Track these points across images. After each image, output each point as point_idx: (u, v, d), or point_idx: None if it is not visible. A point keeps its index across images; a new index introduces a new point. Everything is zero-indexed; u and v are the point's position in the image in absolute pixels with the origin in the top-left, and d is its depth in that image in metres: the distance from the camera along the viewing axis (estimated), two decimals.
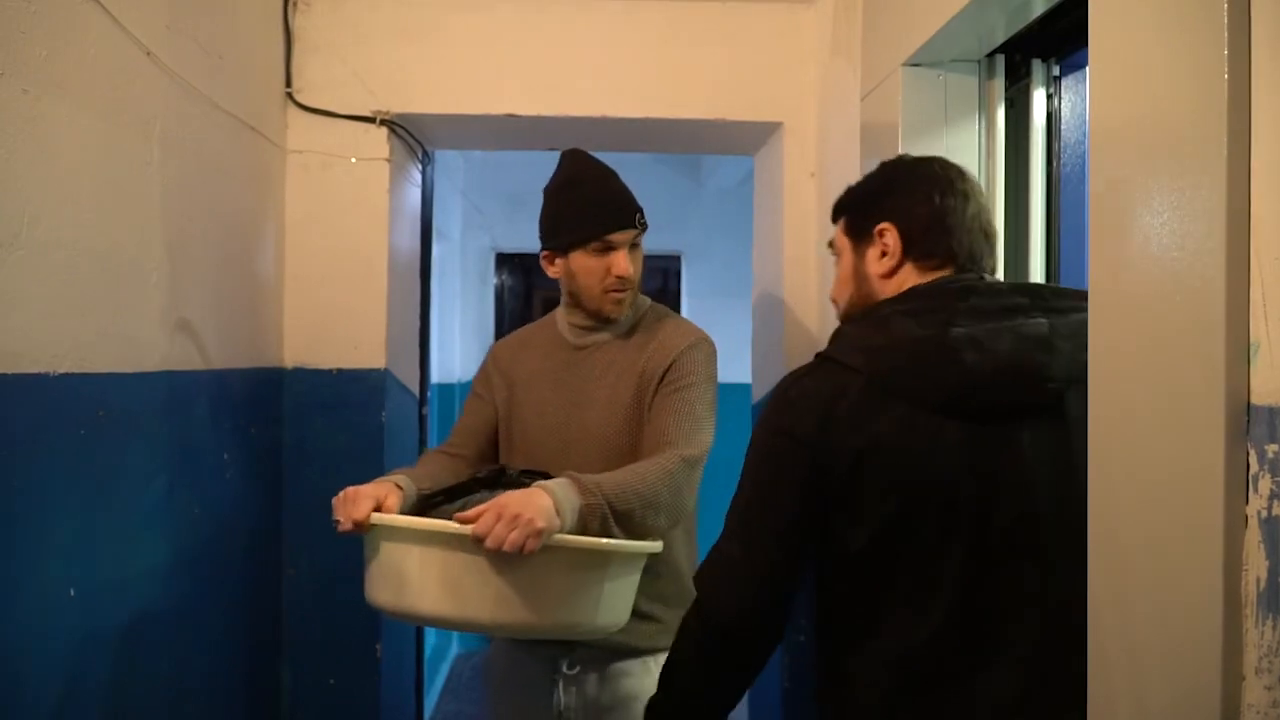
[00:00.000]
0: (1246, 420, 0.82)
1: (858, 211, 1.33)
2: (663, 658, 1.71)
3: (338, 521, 1.40)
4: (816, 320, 2.38)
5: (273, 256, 2.34)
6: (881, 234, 1.28)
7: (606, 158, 1.81)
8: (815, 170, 2.47)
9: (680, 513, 1.56)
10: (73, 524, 1.42)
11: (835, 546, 1.19)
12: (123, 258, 1.57)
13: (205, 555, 1.92)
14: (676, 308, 5.15)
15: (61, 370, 1.38)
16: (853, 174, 1.40)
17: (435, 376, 3.73)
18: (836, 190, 1.42)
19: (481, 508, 1.34)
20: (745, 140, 2.70)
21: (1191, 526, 0.87)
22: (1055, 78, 1.67)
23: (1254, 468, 0.81)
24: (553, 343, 1.80)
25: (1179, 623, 0.89)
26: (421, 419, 2.90)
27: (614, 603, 1.45)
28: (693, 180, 5.08)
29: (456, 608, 1.35)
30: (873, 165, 1.40)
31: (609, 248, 1.69)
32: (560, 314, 1.82)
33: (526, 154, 3.04)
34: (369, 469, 2.21)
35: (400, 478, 1.54)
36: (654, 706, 1.34)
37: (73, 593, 1.42)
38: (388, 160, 2.44)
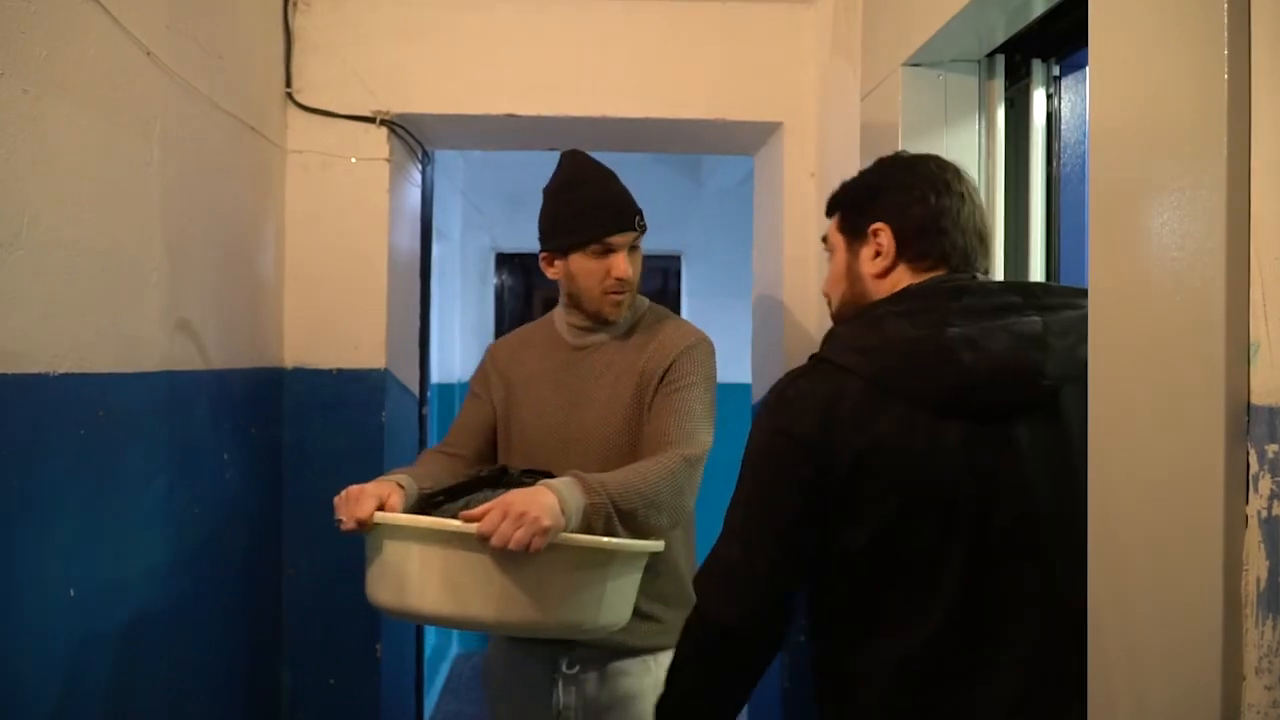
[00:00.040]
0: (1246, 420, 0.82)
1: (852, 208, 1.33)
2: (662, 657, 1.72)
3: (340, 521, 1.40)
4: (816, 320, 2.38)
5: (273, 256, 2.34)
6: (876, 234, 1.28)
7: (606, 158, 1.81)
8: (815, 170, 2.47)
9: (681, 512, 1.57)
10: (73, 524, 1.42)
11: (835, 547, 1.19)
12: (123, 258, 1.57)
13: (205, 555, 1.92)
14: (676, 308, 5.15)
15: (61, 370, 1.38)
16: (853, 174, 1.40)
17: (435, 376, 3.73)
18: None
19: (487, 506, 1.34)
20: (745, 140, 2.70)
21: (1191, 526, 0.87)
22: (1055, 78, 1.67)
23: (1254, 468, 0.81)
24: (551, 343, 1.80)
25: (1179, 623, 0.89)
26: (421, 419, 2.91)
27: (617, 601, 1.45)
28: (693, 180, 5.08)
29: (460, 606, 1.35)
30: None
31: (608, 250, 1.69)
32: (559, 314, 1.82)
33: (526, 154, 3.04)
34: (369, 469, 2.21)
35: (402, 477, 1.54)
36: (660, 708, 1.34)
37: (73, 593, 1.42)
38: (388, 160, 2.44)
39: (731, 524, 1.25)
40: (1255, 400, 0.82)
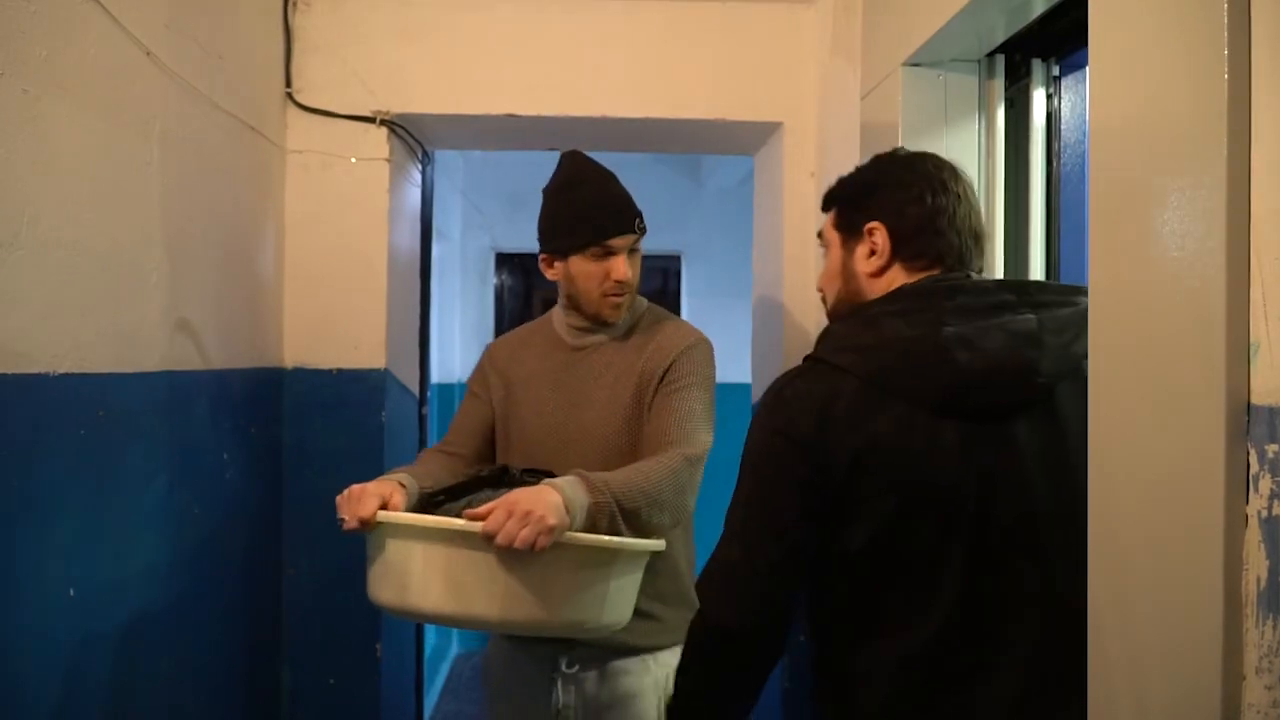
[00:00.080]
0: (1246, 420, 0.82)
1: (848, 205, 1.33)
2: (661, 656, 1.73)
3: (343, 520, 1.40)
4: (816, 320, 2.38)
5: (273, 256, 2.34)
6: (871, 232, 1.28)
7: (606, 158, 1.81)
8: (815, 170, 2.47)
9: (683, 511, 1.57)
10: (73, 524, 1.42)
11: (835, 546, 1.19)
12: (122, 258, 1.57)
13: (205, 555, 1.92)
14: (676, 308, 5.16)
15: (61, 370, 1.38)
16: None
17: (435, 376, 3.73)
18: None
19: (492, 504, 1.34)
20: (745, 140, 2.70)
21: (1191, 526, 0.87)
22: (1055, 77, 1.67)
23: (1254, 467, 0.81)
24: (550, 343, 1.80)
25: (1179, 623, 0.89)
26: (421, 419, 2.91)
27: (619, 600, 1.45)
28: (693, 180, 5.08)
29: (463, 605, 1.35)
30: None
31: (608, 253, 1.69)
32: (558, 314, 1.82)
33: (526, 154, 3.04)
34: (369, 469, 2.21)
35: (403, 476, 1.54)
36: (669, 711, 1.34)
37: (73, 593, 1.42)
38: (388, 160, 2.44)
39: (731, 525, 1.25)
40: (1255, 400, 0.82)
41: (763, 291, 2.70)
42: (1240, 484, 0.82)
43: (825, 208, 1.37)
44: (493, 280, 5.35)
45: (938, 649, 1.15)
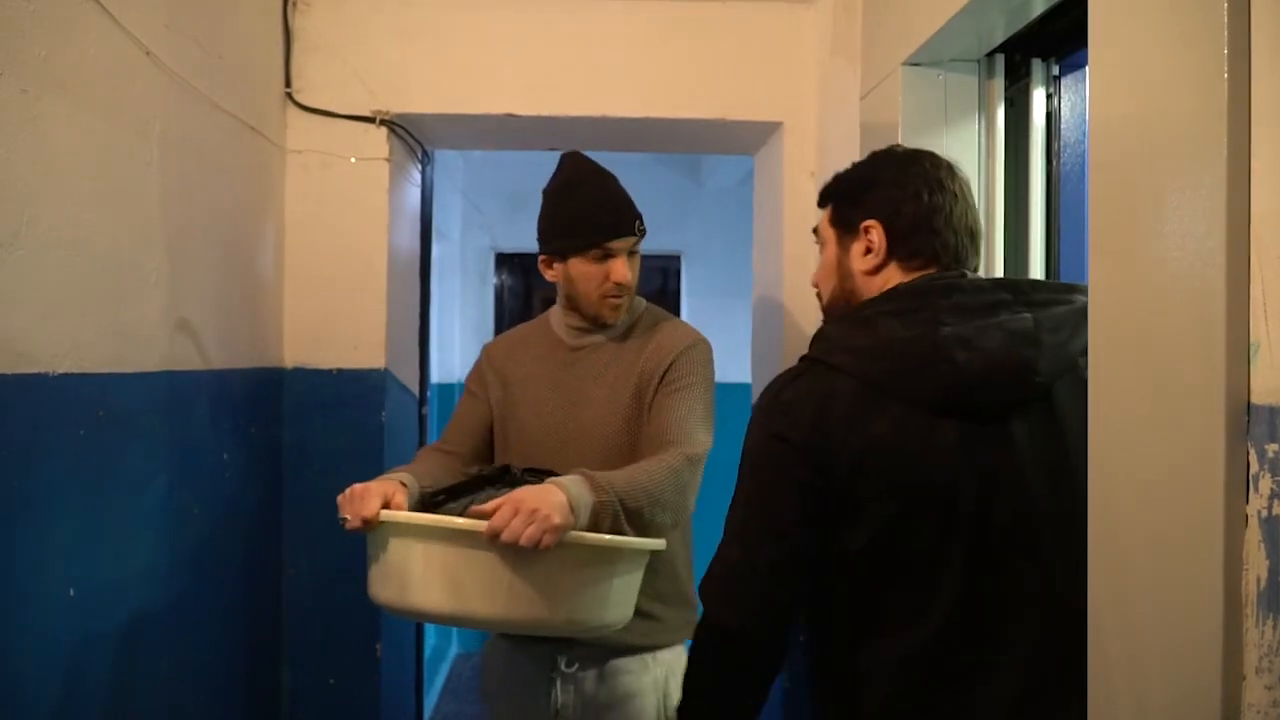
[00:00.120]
0: (1246, 420, 0.82)
1: (845, 201, 1.32)
2: (660, 655, 1.73)
3: (345, 519, 1.40)
4: (815, 320, 2.36)
5: (273, 256, 2.34)
6: (867, 230, 1.27)
7: (606, 158, 1.81)
8: (815, 170, 2.47)
9: (684, 511, 1.57)
10: (73, 524, 1.42)
11: (835, 547, 1.19)
12: (122, 258, 1.57)
13: (205, 555, 1.92)
14: (676, 308, 5.16)
15: (61, 370, 1.38)
16: None
17: (435, 376, 3.73)
18: None
19: (498, 501, 1.34)
20: (745, 140, 2.70)
21: (1191, 526, 0.87)
22: (1055, 77, 1.67)
23: (1254, 467, 0.81)
24: (549, 343, 1.80)
25: (1179, 623, 0.89)
26: (421, 419, 2.90)
27: (621, 600, 1.45)
28: (693, 180, 5.08)
29: (466, 604, 1.35)
30: None
31: (608, 255, 1.69)
32: (556, 314, 1.82)
33: (526, 154, 3.04)
34: (369, 469, 2.21)
35: (404, 475, 1.54)
36: (679, 713, 1.34)
37: (73, 593, 1.42)
38: (387, 160, 2.44)
39: (731, 526, 1.24)
40: (1255, 400, 0.82)
41: (763, 291, 2.70)
42: (1240, 484, 0.82)
43: (821, 204, 1.37)
44: (493, 280, 5.35)
45: (938, 649, 1.15)
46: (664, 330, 1.76)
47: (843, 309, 1.30)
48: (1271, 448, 0.79)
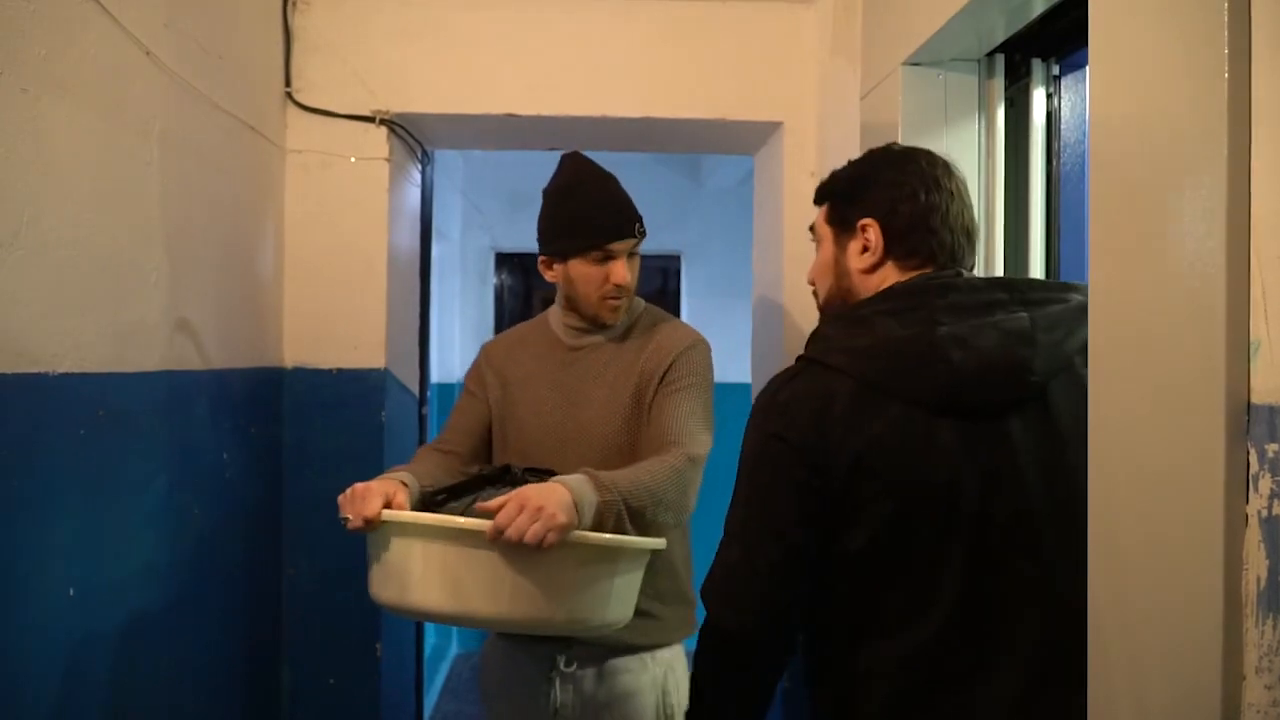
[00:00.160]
0: (1247, 419, 0.82)
1: (842, 200, 1.32)
2: (659, 654, 1.73)
3: (346, 519, 1.40)
4: (815, 320, 2.37)
5: (272, 256, 2.34)
6: (864, 229, 1.27)
7: (606, 158, 1.81)
8: (815, 170, 2.46)
9: (685, 511, 1.57)
10: (72, 524, 1.42)
11: (835, 547, 1.19)
12: (122, 257, 1.57)
13: (205, 555, 1.92)
14: (676, 308, 5.16)
15: (61, 370, 1.38)
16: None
17: (435, 376, 3.73)
18: None
19: (503, 498, 1.34)
20: (745, 140, 2.70)
21: (1191, 526, 0.87)
22: (1055, 77, 1.67)
23: (1254, 467, 0.81)
24: (548, 343, 1.80)
25: (1179, 623, 0.89)
26: (421, 419, 2.90)
27: (622, 599, 1.45)
28: (692, 180, 5.08)
29: (468, 604, 1.35)
30: None
31: (608, 256, 1.69)
32: (555, 314, 1.82)
33: (526, 154, 3.04)
34: (369, 469, 2.21)
35: (404, 475, 1.54)
36: (686, 716, 1.34)
37: (73, 593, 1.42)
38: (387, 160, 2.44)
39: (731, 526, 1.25)
40: (1255, 399, 0.82)
41: (763, 291, 2.70)
42: (1240, 483, 0.82)
43: (818, 201, 1.37)
44: (493, 280, 5.35)
45: (938, 649, 1.15)
46: (664, 330, 1.76)
47: (839, 307, 1.30)
48: (1271, 447, 0.79)
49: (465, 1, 2.45)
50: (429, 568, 1.35)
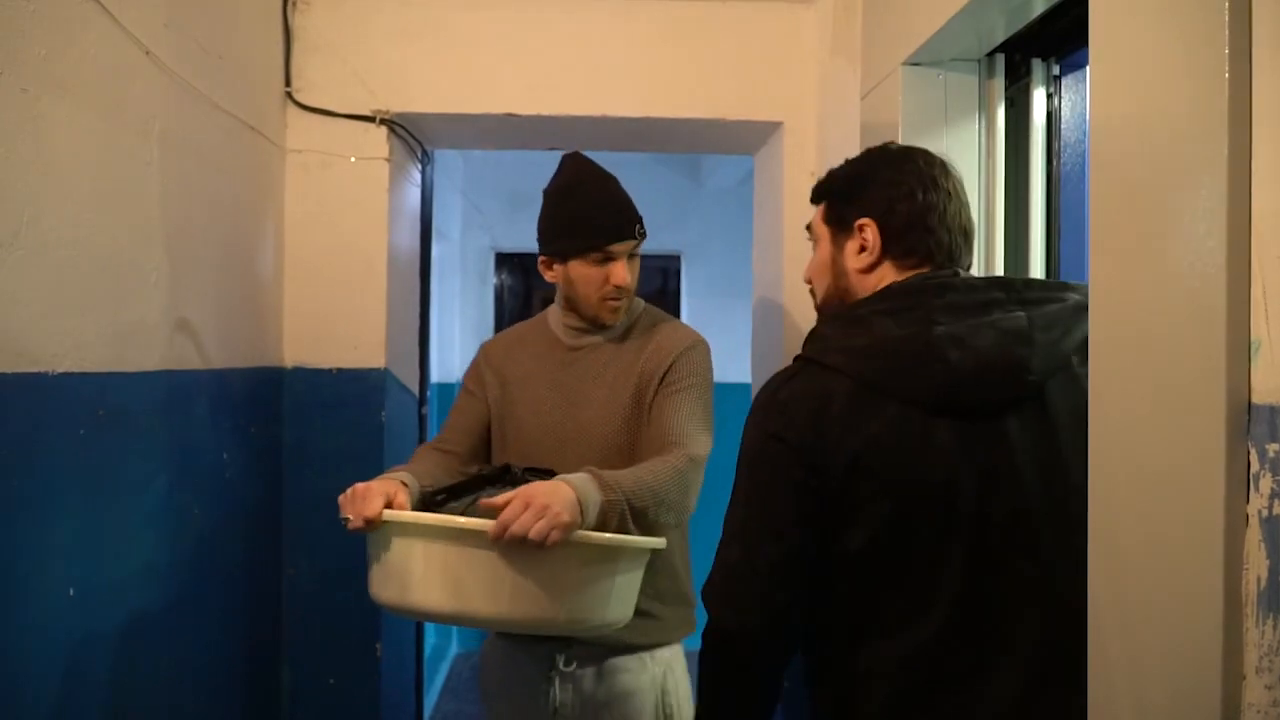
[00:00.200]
0: (1247, 419, 0.82)
1: (839, 199, 1.32)
2: (658, 653, 1.73)
3: (347, 519, 1.39)
4: (814, 319, 2.38)
5: (272, 256, 2.34)
6: (861, 229, 1.27)
7: (606, 157, 1.81)
8: (815, 170, 2.46)
9: (686, 512, 1.58)
10: (72, 524, 1.42)
11: (834, 547, 1.19)
12: (122, 257, 1.57)
13: (205, 555, 1.92)
14: (676, 308, 5.16)
15: (61, 369, 1.38)
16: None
17: (435, 376, 3.73)
18: None
19: (508, 495, 1.34)
20: (745, 140, 2.70)
21: (1192, 526, 0.87)
22: (1055, 77, 1.67)
23: (1255, 466, 0.81)
24: (547, 342, 1.80)
25: (1179, 622, 0.89)
26: (421, 419, 2.90)
27: (623, 598, 1.45)
28: (692, 180, 5.08)
29: (469, 603, 1.35)
30: None
31: (608, 258, 1.69)
32: (555, 314, 1.82)
33: (526, 154, 3.04)
34: (369, 468, 2.21)
35: (404, 475, 1.54)
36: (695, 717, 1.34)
37: (73, 593, 1.42)
38: (387, 160, 2.44)
39: (730, 526, 1.24)
40: (1256, 399, 0.82)
41: (763, 291, 2.70)
42: (1241, 483, 0.82)
43: (815, 200, 1.37)
44: (492, 280, 5.35)
45: (938, 649, 1.15)
46: (663, 331, 1.76)
47: (836, 307, 1.30)
48: (1272, 447, 0.79)
49: (465, 1, 2.45)
50: (430, 568, 1.35)
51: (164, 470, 1.73)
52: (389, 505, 1.40)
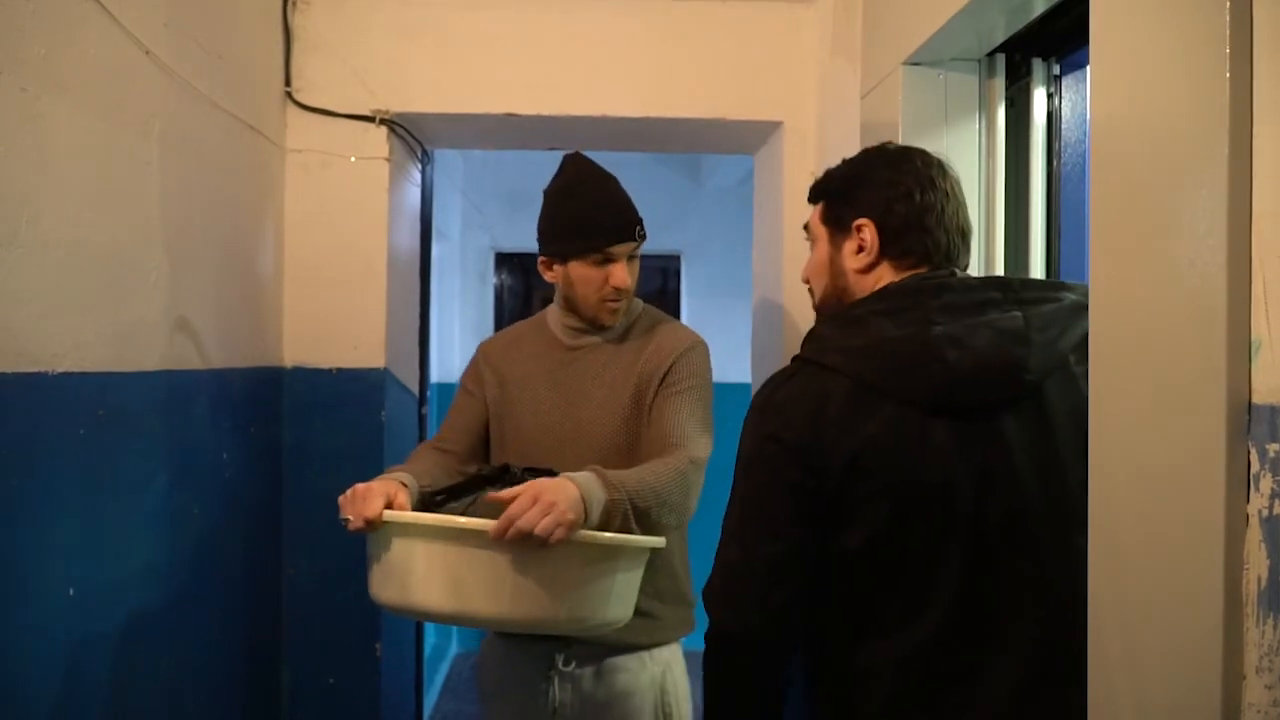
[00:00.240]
0: (1247, 419, 0.82)
1: (837, 199, 1.32)
2: (658, 653, 1.73)
3: (347, 520, 1.39)
4: (814, 319, 2.38)
5: (272, 256, 2.34)
6: (859, 229, 1.27)
7: (606, 157, 1.81)
8: (815, 170, 2.46)
9: (687, 512, 1.58)
10: (72, 523, 1.42)
11: (832, 547, 1.19)
12: (122, 256, 1.57)
13: (205, 555, 1.92)
14: (676, 308, 5.16)
15: (61, 369, 1.38)
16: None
17: (435, 376, 3.73)
18: None
19: (516, 489, 1.34)
20: (745, 140, 2.70)
21: (1192, 525, 0.87)
22: (1055, 77, 1.67)
23: (1255, 466, 0.81)
24: (546, 342, 1.80)
25: (1179, 622, 0.89)
26: (421, 418, 2.90)
27: (623, 597, 1.45)
28: (692, 180, 5.08)
29: (469, 603, 1.35)
30: None
31: (608, 259, 1.69)
32: (554, 314, 1.82)
33: (526, 154, 3.04)
34: (369, 468, 2.21)
35: (404, 475, 1.54)
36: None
37: (73, 593, 1.42)
38: (387, 159, 2.44)
39: (729, 527, 1.24)
40: (1256, 399, 0.82)
41: (763, 291, 2.70)
42: (1241, 483, 0.82)
43: (812, 200, 1.37)
44: (492, 280, 5.35)
45: (936, 648, 1.15)
46: (663, 332, 1.76)
47: (834, 307, 1.30)
48: (1272, 447, 0.79)
49: (465, 1, 2.45)
50: (430, 568, 1.35)
51: (164, 470, 1.73)
52: (389, 506, 1.40)
